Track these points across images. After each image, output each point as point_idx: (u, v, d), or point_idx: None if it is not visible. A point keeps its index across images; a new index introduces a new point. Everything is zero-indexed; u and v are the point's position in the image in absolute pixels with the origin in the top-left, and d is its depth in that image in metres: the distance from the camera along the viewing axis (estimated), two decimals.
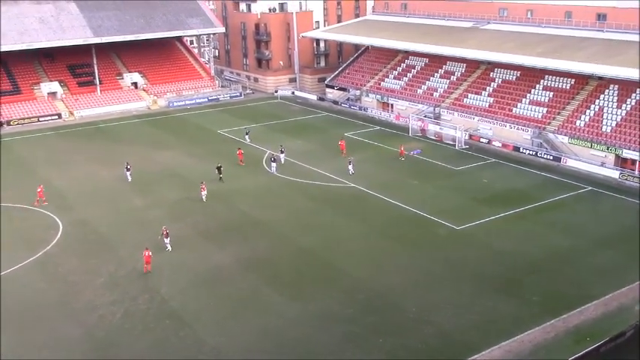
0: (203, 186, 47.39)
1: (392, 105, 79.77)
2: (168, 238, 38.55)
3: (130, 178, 53.42)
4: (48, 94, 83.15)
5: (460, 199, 47.41)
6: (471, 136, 65.53)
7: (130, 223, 44.13)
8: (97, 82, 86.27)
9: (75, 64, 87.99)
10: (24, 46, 77.53)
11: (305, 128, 72.37)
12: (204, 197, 47.23)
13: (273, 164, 54.64)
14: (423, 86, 78.38)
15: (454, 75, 77.16)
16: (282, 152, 58.12)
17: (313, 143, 65.10)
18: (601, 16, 68.55)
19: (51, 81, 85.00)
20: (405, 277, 35.13)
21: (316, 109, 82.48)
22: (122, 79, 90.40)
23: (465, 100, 72.11)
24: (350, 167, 52.97)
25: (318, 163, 57.09)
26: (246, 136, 65.53)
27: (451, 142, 64.20)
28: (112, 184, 52.97)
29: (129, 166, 53.87)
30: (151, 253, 36.21)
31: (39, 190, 47.87)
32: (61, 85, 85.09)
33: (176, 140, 67.73)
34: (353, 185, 50.97)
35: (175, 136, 69.81)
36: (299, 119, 77.81)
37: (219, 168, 51.44)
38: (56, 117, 79.82)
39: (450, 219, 42.90)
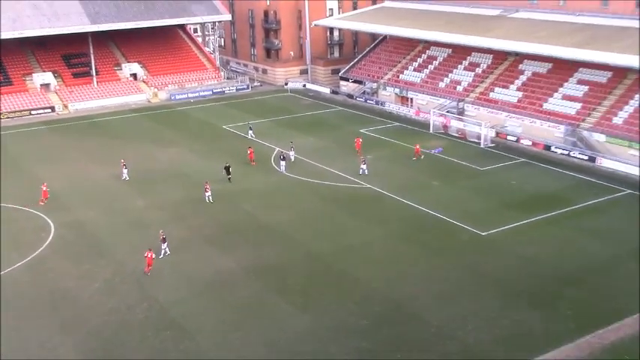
0: (207, 186, 47.63)
1: (411, 99, 79.79)
2: (166, 243, 38.68)
3: (126, 177, 53.78)
4: (41, 85, 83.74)
5: (486, 203, 47.31)
6: (497, 133, 65.46)
7: (127, 225, 44.33)
8: (94, 73, 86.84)
9: (70, 53, 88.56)
10: (16, 34, 78.02)
11: (317, 124, 72.56)
12: (208, 198, 47.39)
13: (283, 163, 54.96)
14: (445, 79, 78.17)
15: (479, 67, 76.90)
16: (292, 150, 58.25)
17: (326, 140, 65.27)
18: None
19: (44, 71, 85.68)
20: (426, 287, 35.05)
21: (329, 104, 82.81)
22: (120, 70, 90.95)
23: (492, 94, 71.83)
24: (363, 167, 52.91)
25: (331, 162, 57.34)
26: (250, 132, 65.72)
27: (476, 140, 64.06)
28: (108, 183, 53.28)
29: (124, 164, 54.23)
30: (153, 255, 36.65)
31: (44, 188, 48.03)
32: (54, 76, 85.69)
33: (178, 136, 68.07)
34: (368, 186, 51.11)
35: (177, 131, 70.21)
36: (310, 114, 78.08)
37: (227, 168, 51.59)
38: (49, 110, 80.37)
39: (474, 224, 42.76)
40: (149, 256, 36.54)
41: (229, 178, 51.26)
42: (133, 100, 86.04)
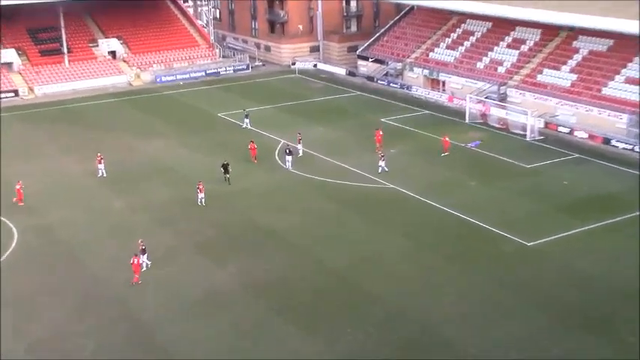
0: (201, 186, 47.98)
1: (443, 82, 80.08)
2: (146, 255, 38.87)
3: (103, 173, 54.16)
4: (2, 64, 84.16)
5: (532, 207, 47.16)
6: (546, 123, 65.45)
7: (105, 230, 44.56)
8: (65, 51, 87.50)
9: (37, 27, 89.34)
10: None
11: (330, 112, 72.73)
12: (201, 200, 47.72)
13: (289, 158, 55.22)
14: (484, 58, 78.29)
15: (525, 44, 76.91)
16: (299, 142, 58.58)
17: (340, 131, 65.52)
18: None
19: (5, 48, 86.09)
20: (460, 307, 34.94)
21: (345, 87, 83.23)
22: (97, 46, 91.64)
23: (540, 76, 71.74)
24: (382, 164, 53.06)
25: (346, 157, 57.50)
26: (246, 120, 66.49)
27: (520, 132, 64.22)
28: (83, 181, 53.59)
29: (101, 158, 54.53)
30: (141, 261, 37.20)
31: (18, 186, 48.58)
32: (18, 54, 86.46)
33: (165, 126, 68.47)
34: (391, 186, 51.29)
35: (164, 120, 70.56)
36: (322, 100, 78.51)
37: (225, 167, 51.78)
38: (12, 94, 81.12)
39: (518, 232, 42.69)
40: (135, 262, 36.81)
41: (227, 179, 51.46)
42: (111, 82, 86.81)
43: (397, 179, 52.29)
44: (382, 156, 53.89)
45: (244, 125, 66.08)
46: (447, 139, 58.85)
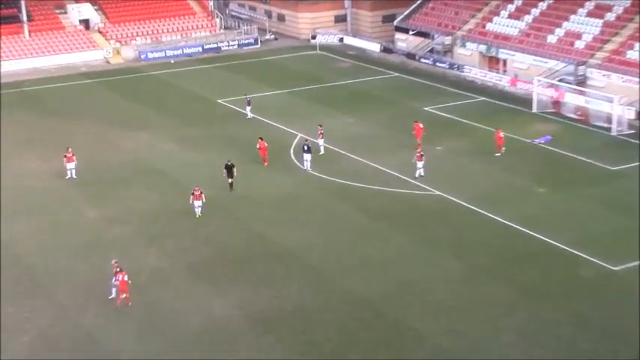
0: (197, 193, 47.91)
1: (504, 61, 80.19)
2: (125, 276, 38.30)
3: (72, 175, 54.16)
4: None
5: (618, 220, 46.66)
6: (638, 114, 64.67)
7: (76, 247, 44.22)
8: (25, 19, 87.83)
9: None
10: None
11: (359, 98, 72.46)
12: (197, 210, 47.61)
13: (307, 157, 55.24)
14: (557, 30, 78.36)
15: (611, 12, 76.11)
16: (320, 137, 58.52)
17: (372, 123, 65.32)
18: None
19: None
20: (527, 349, 34.49)
21: (379, 68, 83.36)
22: (65, 14, 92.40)
23: (630, 53, 71.18)
24: (419, 165, 53.18)
25: (380, 156, 57.30)
26: (248, 108, 67.36)
27: (604, 125, 63.97)
28: (47, 184, 53.45)
29: (71, 155, 54.22)
30: (127, 277, 37.24)
31: None
32: None
33: (151, 115, 68.52)
34: (437, 193, 51.19)
35: (150, 107, 70.69)
36: (350, 83, 78.08)
37: (229, 168, 51.59)
38: None
39: (602, 254, 42.12)
40: (121, 279, 37.13)
41: (231, 184, 51.41)
42: (83, 59, 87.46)
43: (444, 184, 52.03)
44: (421, 155, 53.58)
45: (249, 115, 66.44)
46: (502, 134, 58.44)
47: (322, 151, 57.84)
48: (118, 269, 38.35)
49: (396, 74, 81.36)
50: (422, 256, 43.07)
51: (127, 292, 37.19)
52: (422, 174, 52.79)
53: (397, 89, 76.06)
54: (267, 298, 38.92)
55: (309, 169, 54.99)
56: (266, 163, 55.88)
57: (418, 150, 54.61)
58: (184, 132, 63.97)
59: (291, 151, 59.24)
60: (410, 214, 48.69)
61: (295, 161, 57.27)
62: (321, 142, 58.40)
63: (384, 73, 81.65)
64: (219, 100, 72.46)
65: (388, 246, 44.35)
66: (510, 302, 38.61)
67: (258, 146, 56.35)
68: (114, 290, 38.35)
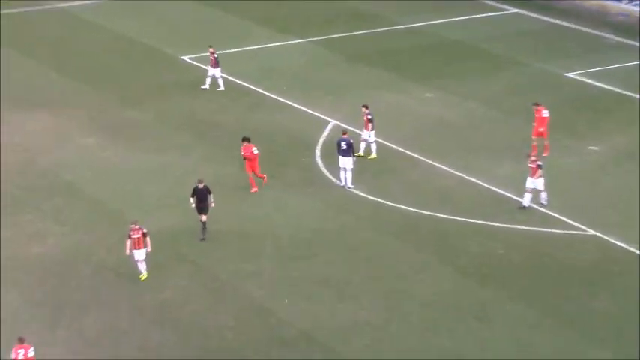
0: (137, 235, 36.94)
1: None
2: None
3: None
4: None
5: None
6: None
7: None
8: None
9: None
10: None
11: (447, 56, 59.73)
12: (141, 267, 37.07)
13: (347, 162, 43.45)
14: None
15: None
16: (369, 126, 46.59)
17: (469, 101, 52.88)
18: None
19: None
20: None
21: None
22: None
23: None
24: (534, 185, 42.96)
25: (482, 162, 46.00)
26: (211, 71, 55.48)
27: None
28: None
29: None
30: (31, 353, 29.74)
31: None
32: None
33: (63, 82, 56.61)
34: (590, 233, 40.66)
35: (60, 71, 58.52)
36: (428, 26, 64.95)
37: (200, 193, 40.82)
38: None
39: None
40: (23, 354, 30.67)
41: (204, 224, 40.17)
42: None
43: (603, 216, 41.09)
44: (538, 166, 42.56)
45: (206, 85, 54.47)
46: None
47: (374, 154, 45.40)
48: None
49: (516, 10, 66.59)
50: (574, 348, 32.20)
51: None
52: (544, 200, 42.02)
53: (516, 38, 61.77)
54: None
55: (349, 184, 42.61)
56: (264, 179, 43.94)
57: (532, 158, 42.89)
58: (119, 114, 51.75)
59: (317, 152, 46.73)
60: (542, 270, 37.00)
61: (324, 171, 44.60)
62: (370, 135, 45.44)
63: (494, 9, 66.86)
64: (183, 57, 58.27)
65: (498, 335, 32.65)
66: None
67: (242, 155, 43.70)
68: None
